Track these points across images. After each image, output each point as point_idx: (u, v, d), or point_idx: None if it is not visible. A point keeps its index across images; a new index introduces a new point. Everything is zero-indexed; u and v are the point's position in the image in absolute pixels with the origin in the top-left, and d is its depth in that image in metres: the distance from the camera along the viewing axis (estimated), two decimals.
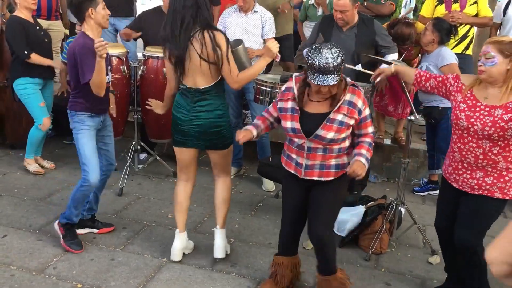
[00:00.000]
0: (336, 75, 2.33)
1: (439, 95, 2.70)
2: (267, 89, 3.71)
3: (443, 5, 4.65)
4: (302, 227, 2.81)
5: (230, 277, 3.05)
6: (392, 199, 3.55)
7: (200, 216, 3.78)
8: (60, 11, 5.74)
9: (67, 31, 5.89)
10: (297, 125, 2.49)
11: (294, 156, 2.61)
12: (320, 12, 5.71)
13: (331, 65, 2.30)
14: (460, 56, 4.39)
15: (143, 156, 4.70)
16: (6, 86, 4.48)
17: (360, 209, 3.45)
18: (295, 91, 2.51)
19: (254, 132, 2.72)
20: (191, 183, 3.16)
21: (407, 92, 3.44)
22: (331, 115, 2.45)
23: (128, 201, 3.98)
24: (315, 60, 2.31)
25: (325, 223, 2.63)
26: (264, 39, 4.24)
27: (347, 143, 2.57)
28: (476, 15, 4.63)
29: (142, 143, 4.44)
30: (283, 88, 2.62)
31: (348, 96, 2.46)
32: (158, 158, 4.47)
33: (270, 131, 4.39)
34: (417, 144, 4.71)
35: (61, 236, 3.22)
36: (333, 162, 2.55)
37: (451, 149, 2.60)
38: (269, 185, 4.39)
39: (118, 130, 4.41)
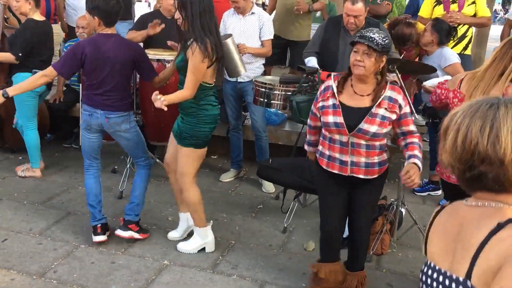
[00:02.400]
0: (378, 46, 2.39)
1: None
2: (266, 90, 3.71)
3: (441, 5, 4.66)
4: (344, 230, 2.88)
5: (231, 279, 3.05)
6: (393, 199, 3.55)
7: None
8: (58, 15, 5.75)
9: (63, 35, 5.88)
10: (340, 119, 2.54)
11: (337, 155, 2.61)
12: (318, 13, 5.71)
13: (376, 37, 2.41)
14: (459, 56, 4.39)
15: None
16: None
17: None
18: (334, 88, 2.58)
19: (312, 149, 2.88)
20: None
21: (406, 93, 3.43)
22: (374, 110, 2.51)
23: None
24: (365, 32, 2.45)
25: (368, 217, 2.78)
26: (262, 41, 4.24)
27: (385, 140, 2.65)
28: (474, 15, 4.64)
29: None
30: (321, 88, 2.69)
31: (388, 92, 2.54)
32: (158, 161, 4.46)
33: (268, 133, 4.45)
34: None
35: (134, 234, 3.34)
36: (376, 159, 2.60)
37: None
38: (269, 187, 4.38)
39: None
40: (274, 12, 5.40)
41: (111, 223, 3.60)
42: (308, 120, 2.85)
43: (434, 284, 1.20)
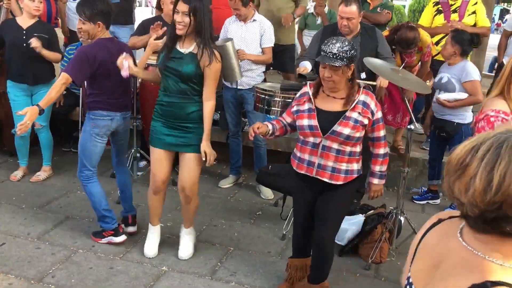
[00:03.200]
0: (340, 61, 2.44)
1: None
2: (267, 97, 3.72)
3: (442, 14, 4.69)
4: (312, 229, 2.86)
5: (230, 286, 3.04)
6: (392, 208, 3.55)
7: (199, 225, 3.76)
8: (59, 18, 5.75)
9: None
10: (314, 122, 2.59)
11: (306, 156, 2.66)
12: (319, 21, 5.74)
13: (336, 50, 2.44)
14: (441, 61, 4.42)
15: (142, 163, 4.69)
16: (5, 93, 4.47)
17: (360, 218, 3.45)
18: (310, 94, 2.65)
19: (270, 126, 2.78)
20: None
21: (406, 102, 3.45)
22: (347, 113, 2.56)
23: None
24: (328, 46, 2.47)
25: (330, 227, 2.73)
26: (262, 48, 4.25)
27: (358, 148, 2.66)
28: (474, 25, 4.66)
29: (141, 151, 4.43)
30: (298, 94, 2.75)
31: (362, 97, 2.59)
32: (151, 168, 4.45)
33: (268, 140, 4.45)
34: (416, 153, 4.72)
35: None
36: (343, 166, 2.63)
37: None
38: (268, 193, 4.38)
39: None
40: None
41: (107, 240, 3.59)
42: (285, 113, 2.86)
43: None
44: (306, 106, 2.64)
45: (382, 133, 2.67)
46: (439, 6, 4.76)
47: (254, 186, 4.52)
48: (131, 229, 3.55)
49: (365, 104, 2.57)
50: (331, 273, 3.09)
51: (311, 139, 2.63)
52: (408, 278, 1.21)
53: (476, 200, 1.00)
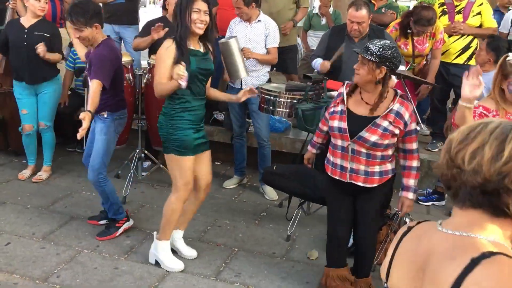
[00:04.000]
0: (370, 55, 2.44)
1: None
2: (272, 98, 3.71)
3: (446, 16, 4.66)
4: (350, 235, 2.91)
5: (234, 287, 3.03)
6: (396, 209, 3.53)
7: (204, 225, 3.76)
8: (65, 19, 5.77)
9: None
10: (344, 124, 2.59)
11: (338, 161, 2.66)
12: (324, 21, 5.73)
13: (372, 46, 2.46)
14: (462, 66, 4.39)
15: (146, 164, 4.69)
16: (11, 92, 4.48)
17: None
18: (344, 95, 2.64)
19: (314, 150, 3.02)
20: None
21: (412, 102, 3.43)
22: (378, 120, 2.54)
23: (131, 209, 3.96)
24: (370, 44, 2.49)
25: (370, 226, 2.78)
26: (267, 48, 4.25)
27: (390, 152, 2.64)
28: (480, 26, 4.64)
29: (146, 151, 4.44)
30: (336, 94, 2.79)
31: (396, 106, 2.56)
32: (161, 166, 4.46)
33: (272, 140, 4.45)
34: (421, 154, 4.67)
35: None
36: (376, 168, 2.62)
37: None
38: (272, 194, 4.37)
39: (122, 138, 4.41)
40: None
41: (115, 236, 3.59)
42: (320, 124, 2.98)
43: None
44: (339, 108, 2.65)
45: (414, 145, 2.64)
46: (445, 7, 4.75)
47: (258, 187, 4.52)
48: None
49: (398, 114, 2.54)
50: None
51: (339, 142, 2.63)
52: None
53: (482, 167, 1.03)
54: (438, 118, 4.74)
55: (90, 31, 3.16)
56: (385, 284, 1.21)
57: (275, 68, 5.55)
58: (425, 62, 4.57)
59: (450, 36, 4.57)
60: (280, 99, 3.65)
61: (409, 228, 1.21)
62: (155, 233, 3.21)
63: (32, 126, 4.25)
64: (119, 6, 5.34)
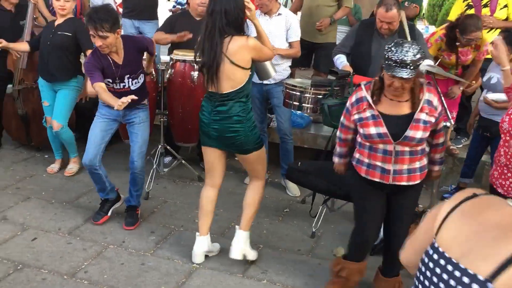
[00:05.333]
0: (411, 70, 2.34)
1: None
2: (297, 93, 3.67)
3: (473, 9, 4.58)
4: (379, 234, 2.89)
5: (261, 284, 3.02)
6: (421, 206, 3.49)
7: (227, 221, 3.74)
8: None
9: None
10: (383, 129, 2.49)
11: (379, 163, 2.57)
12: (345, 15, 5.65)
13: (409, 59, 2.30)
14: (487, 60, 4.30)
15: (167, 159, 4.69)
16: (34, 88, 4.50)
17: None
18: (369, 99, 2.52)
19: (348, 159, 2.86)
20: (216, 188, 3.18)
21: (443, 99, 3.36)
22: (416, 115, 2.47)
23: (155, 204, 3.96)
24: (395, 52, 2.33)
25: (407, 223, 2.75)
26: (289, 42, 4.20)
27: (425, 143, 2.62)
28: (506, 18, 4.55)
29: (168, 147, 4.43)
30: (352, 99, 2.61)
31: (426, 95, 2.50)
32: (183, 161, 4.45)
33: (293, 136, 4.41)
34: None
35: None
36: (417, 164, 2.58)
37: (498, 152, 2.56)
38: (294, 190, 4.34)
39: None
40: (299, 13, 5.35)
41: (139, 223, 3.59)
42: (338, 132, 2.82)
43: (438, 270, 1.17)
44: (368, 113, 2.52)
45: (441, 124, 2.65)
46: (469, 1, 4.66)
47: (280, 183, 4.49)
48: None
49: (429, 103, 2.49)
50: (367, 272, 3.06)
51: (380, 146, 2.54)
52: (435, 247, 1.21)
53: None
54: (463, 113, 4.66)
55: (114, 37, 3.12)
56: (434, 239, 1.23)
57: (301, 66, 5.46)
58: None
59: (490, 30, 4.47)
60: (306, 95, 3.61)
61: (474, 195, 1.23)
62: (237, 227, 3.18)
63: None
64: (140, 1, 5.33)
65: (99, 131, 3.41)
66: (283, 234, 3.64)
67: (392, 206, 2.71)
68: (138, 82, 3.37)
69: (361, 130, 2.56)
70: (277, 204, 4.15)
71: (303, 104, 3.70)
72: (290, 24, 4.15)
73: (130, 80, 3.32)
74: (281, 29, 4.15)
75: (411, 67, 2.31)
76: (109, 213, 3.61)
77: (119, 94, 3.21)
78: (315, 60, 5.13)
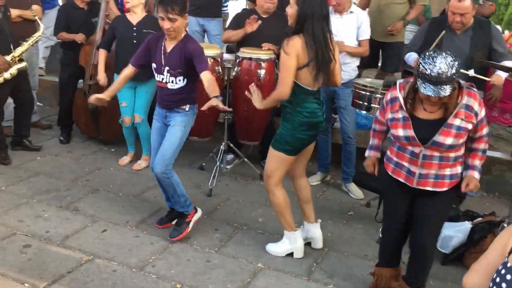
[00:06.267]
0: (449, 86, 2.20)
1: None
2: (367, 93, 3.57)
3: None
4: (406, 238, 2.73)
5: None
6: (499, 216, 3.30)
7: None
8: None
9: None
10: (410, 132, 2.39)
11: (406, 164, 2.49)
12: None
13: (444, 76, 2.17)
14: None
15: (230, 157, 4.69)
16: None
17: (466, 225, 3.22)
18: (401, 100, 2.42)
19: (378, 154, 2.80)
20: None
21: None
22: (449, 120, 2.33)
23: (218, 202, 3.98)
24: (427, 69, 2.19)
25: (432, 233, 2.60)
26: (359, 41, 4.09)
27: (462, 150, 2.46)
28: None
29: (231, 144, 4.43)
30: (388, 97, 2.52)
31: (465, 100, 2.34)
32: (246, 160, 4.44)
33: (357, 137, 4.29)
34: None
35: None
36: (447, 171, 2.44)
37: None
38: (358, 193, 4.23)
39: (209, 131, 4.45)
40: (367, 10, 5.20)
41: (202, 220, 3.61)
42: (373, 125, 2.76)
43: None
44: (400, 114, 2.42)
45: (485, 131, 2.46)
46: None
47: (342, 185, 4.39)
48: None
49: (468, 108, 2.33)
50: (435, 283, 2.96)
51: (409, 147, 2.45)
52: (507, 267, 1.16)
53: None
54: None
55: (182, 21, 3.08)
56: (506, 259, 1.19)
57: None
58: None
59: None
60: (376, 95, 3.50)
61: None
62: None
63: (130, 118, 4.37)
64: None
65: (156, 135, 3.35)
66: (348, 238, 3.55)
67: (416, 211, 2.56)
68: (177, 83, 3.17)
69: (391, 130, 2.49)
70: (341, 206, 4.06)
71: (372, 105, 3.59)
72: (361, 23, 4.05)
73: (169, 75, 3.16)
74: (351, 27, 4.05)
75: (447, 83, 2.18)
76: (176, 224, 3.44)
77: (160, 89, 3.24)
78: (383, 60, 4.98)
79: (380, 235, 3.48)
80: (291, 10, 2.88)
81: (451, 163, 2.43)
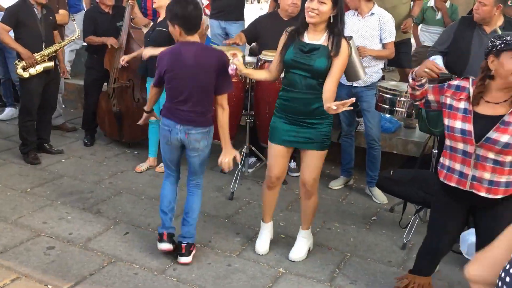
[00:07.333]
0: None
1: None
2: (391, 97, 3.50)
3: None
4: (451, 248, 2.69)
5: None
6: None
7: (312, 227, 3.58)
8: None
9: None
10: (469, 126, 2.29)
11: (458, 166, 2.38)
12: (439, 16, 5.36)
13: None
14: None
15: (251, 160, 4.68)
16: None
17: None
18: (471, 92, 2.32)
19: (424, 80, 2.54)
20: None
21: None
22: (506, 117, 2.23)
23: (239, 205, 3.96)
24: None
25: None
26: (383, 43, 4.02)
27: None
28: None
29: (253, 148, 4.41)
30: (453, 83, 2.41)
31: None
32: (267, 163, 4.40)
33: (382, 141, 4.22)
34: None
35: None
36: (503, 178, 2.31)
37: None
38: (381, 198, 4.15)
39: (231, 134, 4.42)
40: None
41: (223, 223, 3.60)
42: (430, 93, 2.52)
43: None
44: (461, 105, 2.33)
45: None
46: None
47: (365, 189, 4.32)
48: (166, 246, 3.13)
49: None
50: None
51: (460, 146, 2.34)
52: None
53: None
54: None
55: (173, 30, 2.91)
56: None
57: (386, 63, 5.29)
58: None
59: None
60: (401, 98, 3.43)
61: None
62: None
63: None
64: (227, 2, 5.37)
65: None
66: (371, 244, 3.48)
67: (477, 224, 2.47)
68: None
69: (446, 120, 2.38)
70: (364, 211, 3.99)
71: (396, 108, 3.53)
72: (384, 24, 3.98)
73: None
74: (373, 30, 3.98)
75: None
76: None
77: None
78: (399, 57, 4.92)
79: (405, 241, 3.43)
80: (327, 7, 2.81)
81: (507, 170, 2.29)
